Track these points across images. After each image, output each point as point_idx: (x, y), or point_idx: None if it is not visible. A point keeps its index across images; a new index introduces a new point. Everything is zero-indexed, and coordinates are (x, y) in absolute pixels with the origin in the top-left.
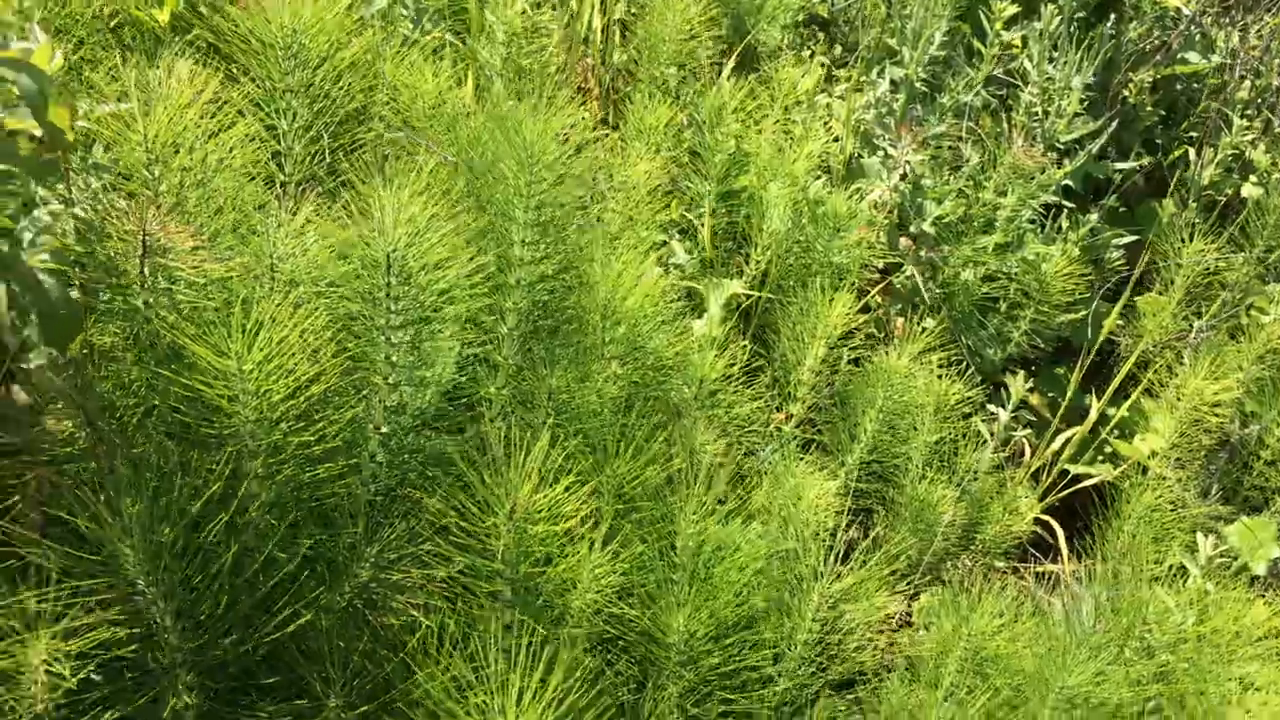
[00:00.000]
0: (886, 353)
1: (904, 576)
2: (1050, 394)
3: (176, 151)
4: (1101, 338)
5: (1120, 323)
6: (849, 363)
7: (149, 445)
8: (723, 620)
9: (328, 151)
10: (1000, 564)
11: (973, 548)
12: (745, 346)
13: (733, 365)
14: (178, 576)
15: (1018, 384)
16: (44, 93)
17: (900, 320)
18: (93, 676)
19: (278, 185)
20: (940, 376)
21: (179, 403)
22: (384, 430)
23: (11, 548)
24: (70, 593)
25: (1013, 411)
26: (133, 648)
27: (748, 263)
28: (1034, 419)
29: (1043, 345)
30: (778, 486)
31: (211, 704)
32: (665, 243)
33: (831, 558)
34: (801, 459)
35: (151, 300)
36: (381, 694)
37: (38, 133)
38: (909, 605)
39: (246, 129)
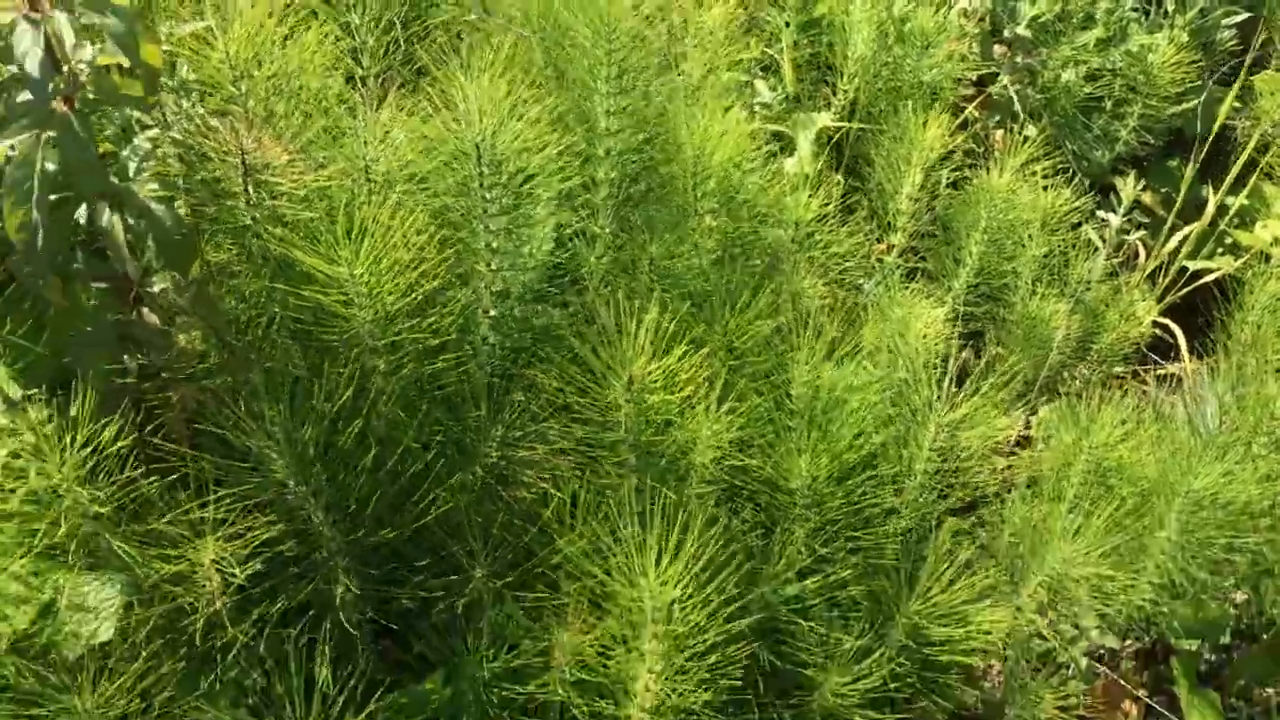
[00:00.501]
0: (987, 169)
1: (1021, 396)
2: (1164, 190)
3: (259, 65)
4: (1217, 125)
5: (1236, 106)
6: (948, 185)
7: (277, 354)
8: (843, 461)
9: (402, 41)
10: (1119, 370)
11: (1089, 358)
12: (839, 181)
13: (828, 204)
14: (323, 474)
15: (1128, 184)
16: (132, 32)
17: (1000, 133)
18: (259, 570)
19: (358, 81)
20: (1046, 187)
21: (298, 312)
22: (492, 314)
23: (168, 462)
24: (228, 498)
25: (1124, 214)
26: (291, 543)
27: (835, 93)
28: (1147, 219)
29: (1153, 140)
30: (885, 320)
31: (368, 586)
32: (748, 83)
33: (946, 385)
34: (906, 289)
35: (258, 216)
36: (523, 562)
37: (126, 64)
38: (1027, 423)
39: (321, 31)
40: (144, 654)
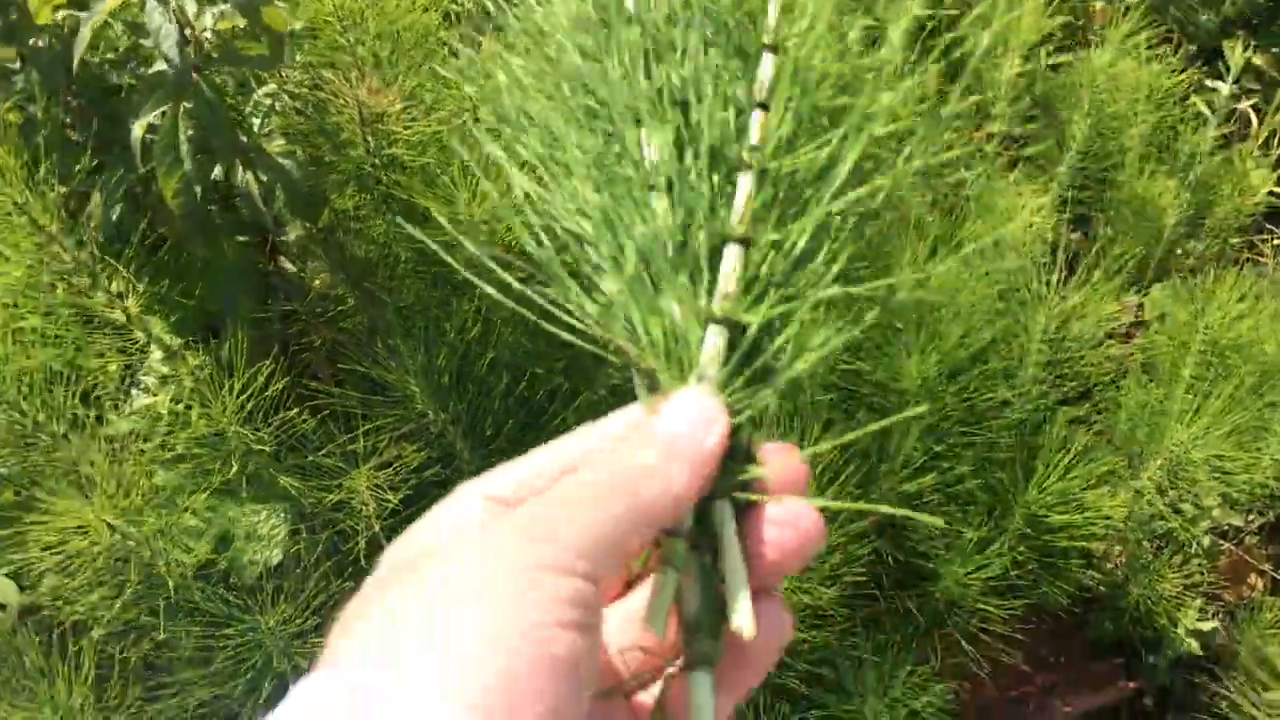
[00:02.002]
0: (1088, 44)
1: (1133, 282)
2: (1276, 51)
3: (363, 14)
4: None
5: None
6: (1048, 67)
7: (407, 293)
8: (953, 358)
9: None
10: (1235, 243)
11: (1202, 233)
12: (934, 71)
13: (923, 102)
14: (459, 403)
15: (1237, 49)
16: (255, 4)
17: (1099, 4)
18: (409, 494)
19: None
20: (1150, 60)
21: (422, 251)
22: None
23: (317, 399)
24: (376, 430)
25: (1234, 80)
26: (436, 468)
27: None
28: (1259, 85)
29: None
30: (988, 211)
31: None
32: None
33: (1055, 274)
34: (1009, 178)
35: (378, 162)
36: None
37: (242, 24)
38: (1140, 305)
39: None
40: (314, 576)
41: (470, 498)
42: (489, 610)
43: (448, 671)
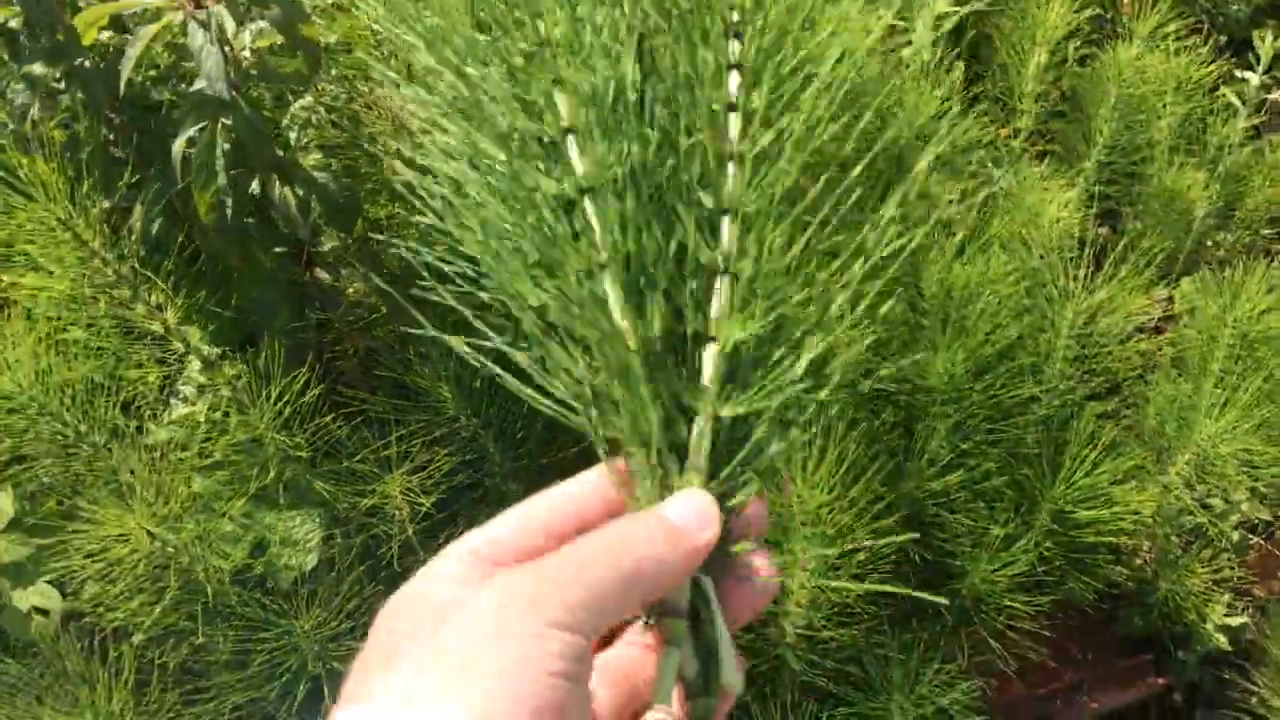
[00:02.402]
0: (1116, 36)
1: (1163, 275)
2: None
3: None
4: None
5: None
6: (1076, 62)
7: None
8: (980, 355)
9: None
10: (1266, 234)
11: (1232, 225)
12: (960, 66)
13: (947, 101)
14: (491, 408)
15: (1268, 39)
16: (290, 14)
17: None
18: (442, 497)
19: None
20: (1178, 51)
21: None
22: None
23: (351, 405)
24: (409, 435)
25: (1264, 70)
26: (468, 471)
27: None
28: None
29: None
30: (1015, 207)
31: None
32: None
33: (1082, 269)
34: (1035, 173)
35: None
36: None
37: (280, 40)
38: (1169, 299)
39: None
40: (348, 580)
41: (462, 553)
42: (497, 658)
43: (459, 712)
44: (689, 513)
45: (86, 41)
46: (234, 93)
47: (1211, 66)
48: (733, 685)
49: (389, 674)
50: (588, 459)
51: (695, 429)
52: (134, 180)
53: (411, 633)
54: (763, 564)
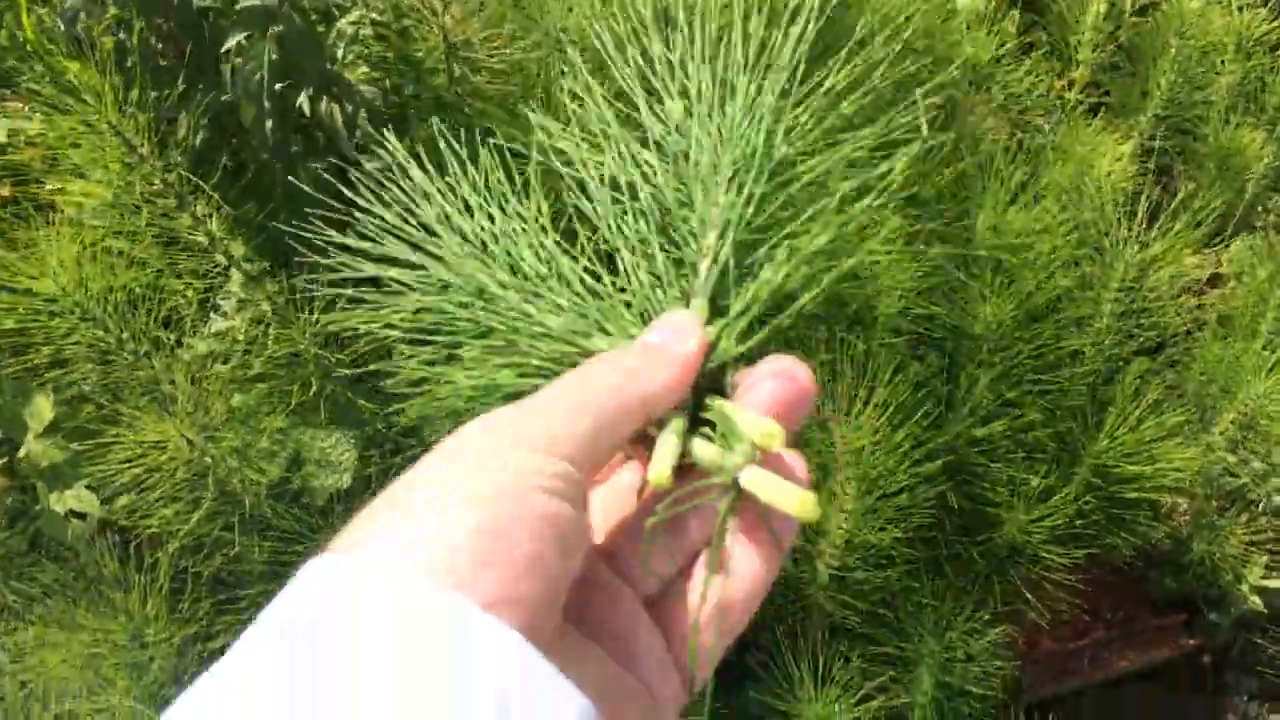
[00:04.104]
0: None
1: (1215, 234)
2: None
3: None
4: None
5: None
6: (1134, 13)
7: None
8: (1028, 305)
9: None
10: None
11: None
12: (1014, 16)
13: (1003, 46)
14: None
15: None
16: None
17: None
18: None
19: None
20: (1241, 8)
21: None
22: None
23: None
24: None
25: None
26: None
27: None
28: None
29: None
30: (1068, 158)
31: None
32: None
33: (1134, 224)
34: (1090, 126)
35: (460, 90)
36: None
37: None
38: (1219, 260)
39: None
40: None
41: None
42: (475, 480)
43: (433, 533)
44: (665, 329)
45: None
46: (284, 2)
47: (1274, 24)
48: (762, 433)
49: (392, 512)
50: None
51: (701, 268)
52: (181, 91)
53: (409, 481)
54: (791, 360)
